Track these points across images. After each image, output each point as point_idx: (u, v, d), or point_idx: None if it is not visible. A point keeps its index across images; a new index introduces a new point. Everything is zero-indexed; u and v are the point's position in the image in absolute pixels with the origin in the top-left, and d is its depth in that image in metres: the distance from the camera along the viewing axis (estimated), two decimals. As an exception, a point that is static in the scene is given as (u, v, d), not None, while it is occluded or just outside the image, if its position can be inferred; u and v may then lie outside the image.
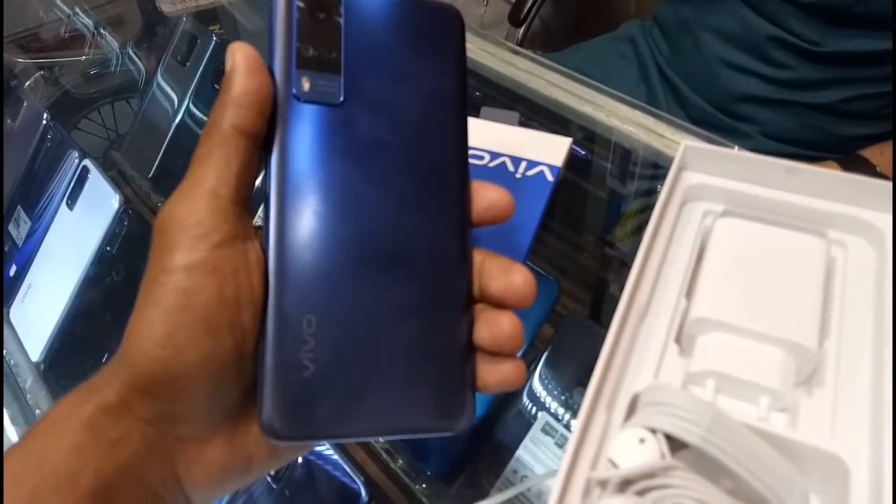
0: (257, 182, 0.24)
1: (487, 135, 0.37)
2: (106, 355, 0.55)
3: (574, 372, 0.41)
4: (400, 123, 0.25)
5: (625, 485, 0.22)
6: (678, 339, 0.27)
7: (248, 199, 0.24)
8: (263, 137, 0.24)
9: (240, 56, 0.23)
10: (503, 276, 0.25)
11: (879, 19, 0.61)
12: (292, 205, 0.24)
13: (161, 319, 0.21)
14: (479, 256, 0.26)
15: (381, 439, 0.43)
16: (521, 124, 0.42)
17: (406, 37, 0.26)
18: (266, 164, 0.24)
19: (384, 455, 0.43)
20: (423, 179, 0.25)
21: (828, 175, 0.29)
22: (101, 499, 0.21)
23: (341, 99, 0.25)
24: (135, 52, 0.79)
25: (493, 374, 0.25)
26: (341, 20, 0.25)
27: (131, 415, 0.22)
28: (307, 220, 0.24)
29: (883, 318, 0.26)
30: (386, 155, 0.25)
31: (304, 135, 0.24)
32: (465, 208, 0.26)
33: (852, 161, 0.62)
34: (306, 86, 0.24)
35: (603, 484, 0.22)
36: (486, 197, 0.26)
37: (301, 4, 0.24)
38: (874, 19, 0.61)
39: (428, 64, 0.26)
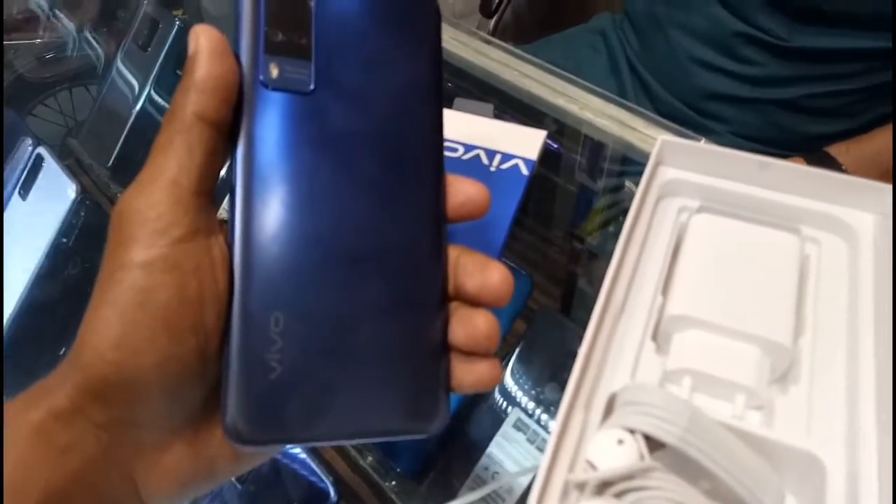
0: (222, 173, 0.23)
1: (461, 126, 0.36)
2: (63, 350, 0.53)
3: (546, 367, 0.41)
4: (373, 114, 0.24)
5: (603, 487, 0.21)
6: (654, 337, 0.27)
7: (211, 191, 0.23)
8: (228, 126, 0.23)
9: (203, 39, 0.22)
10: (479, 273, 0.24)
11: (847, 18, 0.61)
12: (259, 198, 0.23)
13: (116, 319, 0.20)
14: (453, 253, 0.25)
15: (351, 443, 0.42)
16: (495, 116, 0.41)
17: (380, 24, 0.25)
18: (231, 154, 0.23)
19: (353, 452, 0.43)
20: (397, 172, 0.25)
21: (799, 171, 0.29)
22: None
23: (311, 87, 0.24)
24: (93, 36, 0.76)
25: (469, 375, 0.24)
26: (312, 4, 0.24)
27: (84, 420, 0.20)
28: (274, 214, 0.23)
29: (857, 315, 0.26)
30: (358, 146, 0.24)
31: (271, 124, 0.23)
32: (440, 203, 0.25)
33: (818, 158, 0.63)
34: (274, 72, 0.23)
35: (581, 486, 0.21)
36: (462, 191, 0.25)
37: None
38: (842, 18, 0.62)
39: (402, 52, 0.25)
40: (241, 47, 0.23)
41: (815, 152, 0.64)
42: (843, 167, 0.62)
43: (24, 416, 0.20)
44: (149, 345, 0.20)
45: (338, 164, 0.24)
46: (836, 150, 0.63)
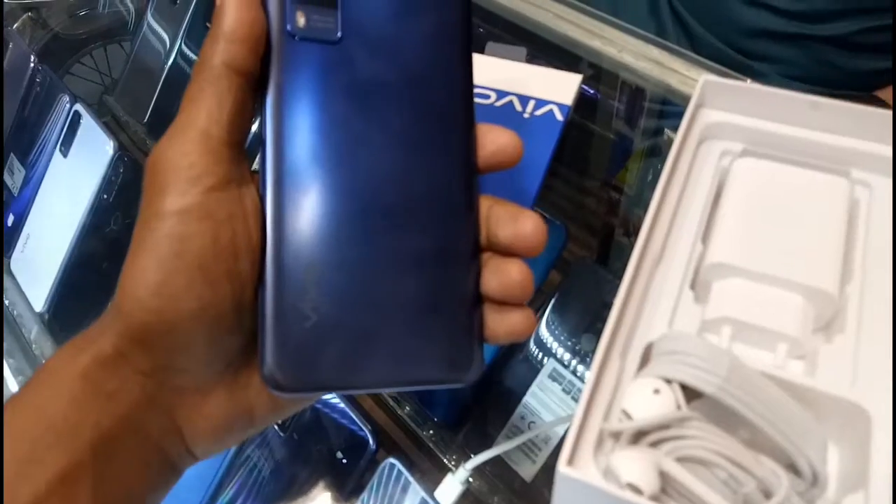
0: (253, 128, 0.23)
1: (493, 72, 0.35)
2: (111, 304, 0.55)
3: (582, 318, 0.41)
4: (401, 62, 0.24)
5: (639, 436, 0.21)
6: (693, 286, 0.26)
7: (242, 142, 0.23)
8: (257, 77, 0.23)
9: None
10: (512, 223, 0.24)
11: None
12: (289, 148, 0.22)
13: (155, 267, 0.20)
14: (485, 203, 0.25)
15: (386, 391, 0.43)
16: (528, 61, 0.40)
17: None
18: (261, 105, 0.23)
19: (391, 402, 0.43)
20: (427, 122, 0.24)
21: (853, 110, 0.28)
22: (101, 452, 0.20)
23: (339, 36, 0.23)
24: (122, -10, 0.76)
25: (502, 325, 0.24)
26: None
27: (128, 366, 0.21)
28: (306, 165, 0.22)
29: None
30: (387, 96, 0.24)
31: (300, 74, 0.23)
32: (471, 152, 0.25)
33: (868, 102, 0.60)
34: (301, 21, 0.23)
35: (616, 435, 0.21)
36: (494, 141, 0.25)
37: None
38: None
39: None
40: None
41: (864, 94, 0.61)
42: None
43: (71, 362, 0.21)
44: (187, 291, 0.20)
45: (367, 114, 0.23)
46: (885, 94, 0.60)
